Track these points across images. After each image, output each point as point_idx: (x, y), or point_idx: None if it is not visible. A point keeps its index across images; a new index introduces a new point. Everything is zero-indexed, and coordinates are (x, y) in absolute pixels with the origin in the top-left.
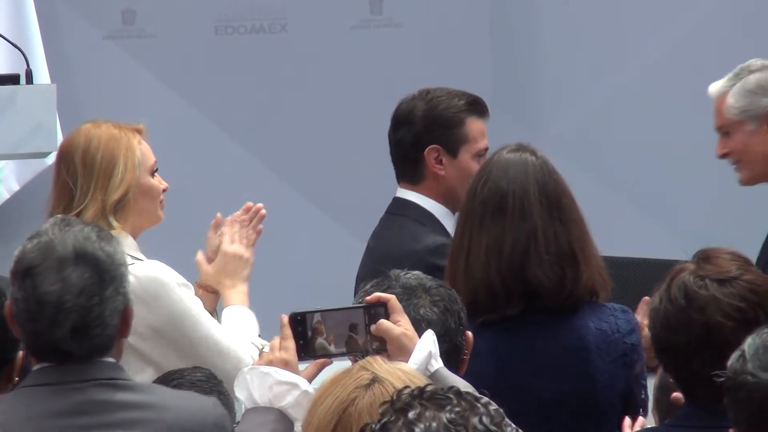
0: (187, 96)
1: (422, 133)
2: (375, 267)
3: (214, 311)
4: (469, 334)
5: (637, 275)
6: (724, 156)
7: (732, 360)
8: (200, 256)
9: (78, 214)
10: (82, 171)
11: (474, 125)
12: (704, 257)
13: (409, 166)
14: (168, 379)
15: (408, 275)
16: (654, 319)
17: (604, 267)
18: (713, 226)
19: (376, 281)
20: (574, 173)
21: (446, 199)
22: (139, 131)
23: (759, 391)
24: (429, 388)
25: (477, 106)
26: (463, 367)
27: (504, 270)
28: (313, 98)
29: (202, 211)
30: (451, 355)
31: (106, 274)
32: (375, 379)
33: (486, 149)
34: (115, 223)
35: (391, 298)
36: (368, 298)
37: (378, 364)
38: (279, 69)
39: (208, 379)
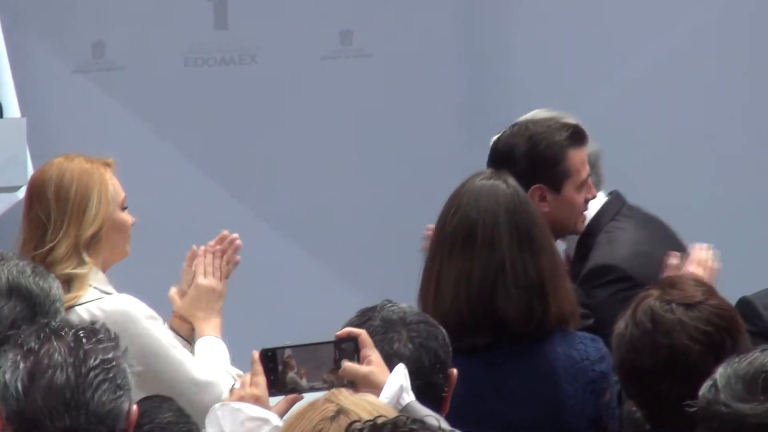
0: (158, 128)
1: (525, 173)
2: None
3: (192, 340)
4: (453, 371)
5: None
6: None
7: (704, 390)
8: (173, 291)
9: (51, 250)
10: (56, 206)
11: (576, 157)
12: (669, 283)
13: None
14: (139, 424)
15: (393, 308)
16: (619, 344)
17: (575, 295)
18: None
19: (361, 311)
20: None
21: (553, 231)
22: (108, 165)
23: (733, 421)
24: (397, 420)
25: (577, 137)
26: (444, 405)
27: (472, 301)
28: (283, 129)
29: (173, 243)
30: (425, 392)
31: (38, 308)
32: (340, 411)
33: (588, 176)
34: (87, 259)
35: (362, 333)
36: (338, 333)
37: (343, 396)
38: (249, 100)
39: (177, 420)
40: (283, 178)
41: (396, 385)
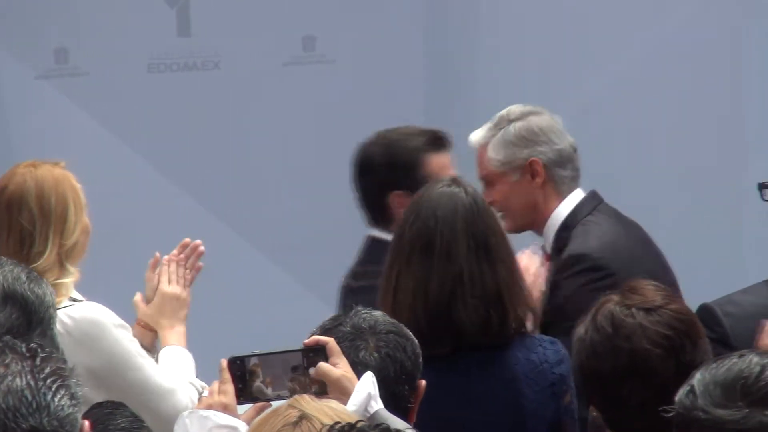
0: (121, 134)
1: (384, 180)
2: None
3: (153, 348)
4: (422, 383)
5: None
6: (490, 204)
7: (681, 395)
8: (138, 297)
9: (37, 260)
10: (40, 216)
11: (434, 161)
12: (629, 288)
13: (377, 211)
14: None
15: (365, 315)
16: (579, 348)
17: (533, 300)
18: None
19: (334, 316)
20: None
21: None
22: (62, 168)
23: (711, 427)
24: (359, 425)
25: (435, 141)
26: (410, 416)
27: (430, 311)
28: (247, 135)
29: (137, 249)
30: (389, 402)
31: (34, 316)
32: (303, 417)
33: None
34: (72, 269)
35: (330, 341)
36: (306, 341)
37: (306, 402)
38: (212, 106)
39: (131, 427)
40: (246, 184)
41: (364, 392)
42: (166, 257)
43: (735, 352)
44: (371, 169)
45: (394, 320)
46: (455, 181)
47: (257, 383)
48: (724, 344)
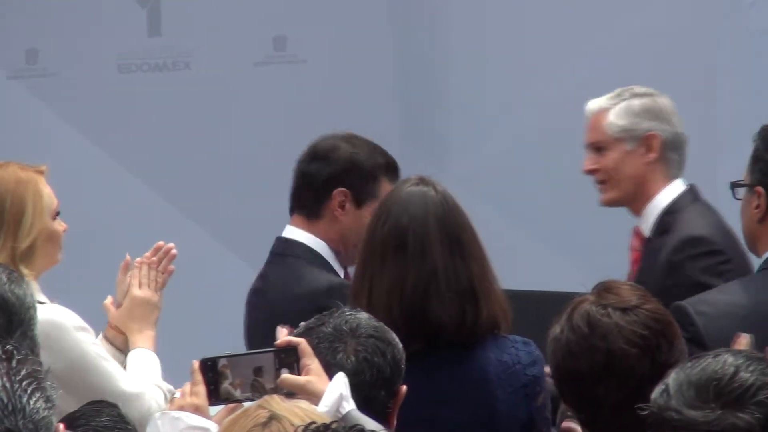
0: (92, 134)
1: (338, 173)
2: (270, 309)
3: (126, 351)
4: (402, 389)
5: (538, 308)
6: (590, 172)
7: (656, 394)
8: (108, 301)
9: None
10: None
11: (384, 187)
12: (605, 288)
13: (311, 200)
14: (73, 425)
15: (349, 316)
16: (555, 348)
17: (505, 299)
18: (614, 260)
19: (319, 316)
20: (480, 208)
21: (335, 242)
22: (41, 173)
23: (683, 428)
24: (333, 425)
25: (393, 170)
26: (389, 421)
27: (405, 309)
28: (218, 135)
29: (107, 251)
30: (362, 407)
31: (14, 317)
32: (273, 417)
33: None
34: (25, 271)
35: (301, 341)
36: (278, 342)
37: (276, 402)
38: (183, 106)
39: (114, 426)
40: (218, 183)
41: (335, 393)
42: (137, 260)
43: (710, 352)
44: (330, 158)
45: (379, 324)
46: (423, 180)
47: (229, 384)
48: (698, 344)
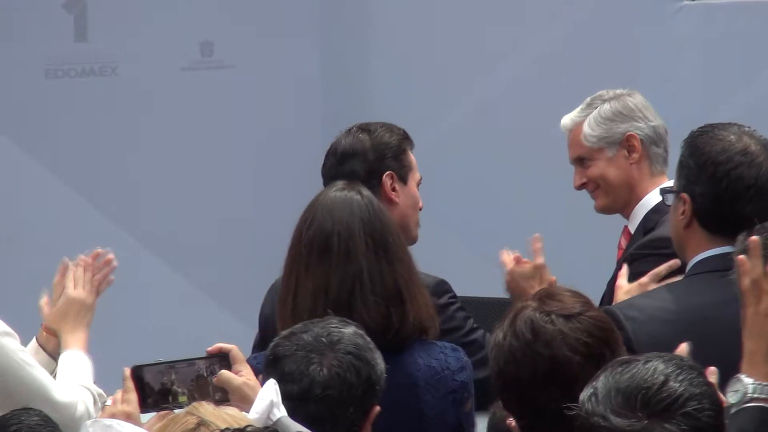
0: (18, 139)
1: (375, 161)
2: None
3: (57, 354)
4: (376, 408)
5: (474, 314)
6: (581, 187)
7: (584, 396)
8: (44, 301)
9: None
10: None
11: (411, 156)
12: (546, 294)
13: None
14: (5, 425)
15: (334, 328)
16: (497, 354)
17: (432, 303)
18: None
19: (305, 322)
20: None
21: (400, 227)
22: None
23: None
24: (248, 429)
25: (410, 139)
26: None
27: (330, 312)
28: (144, 140)
29: (33, 256)
30: (328, 423)
31: None
32: (201, 423)
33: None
34: None
35: (233, 348)
36: (209, 348)
37: (204, 408)
38: (110, 112)
39: (45, 423)
40: (144, 189)
41: (267, 399)
42: (73, 262)
43: (641, 356)
44: (360, 152)
45: (364, 341)
46: (349, 185)
47: (160, 391)
48: (627, 348)
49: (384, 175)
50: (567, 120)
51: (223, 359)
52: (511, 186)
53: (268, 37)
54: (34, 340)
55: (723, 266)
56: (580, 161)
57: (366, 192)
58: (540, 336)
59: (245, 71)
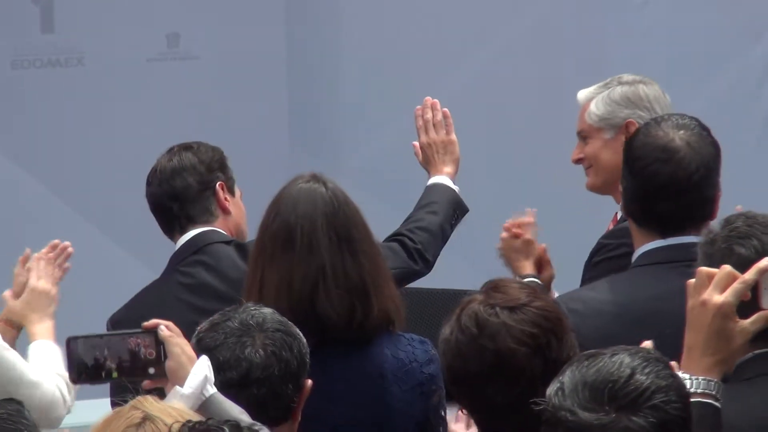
0: None
1: (206, 172)
2: None
3: (14, 345)
4: (308, 383)
5: (432, 305)
6: (578, 161)
7: (551, 390)
8: (7, 292)
9: None
10: None
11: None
12: (493, 287)
13: (198, 208)
14: None
15: (255, 311)
16: (445, 350)
17: (399, 296)
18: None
19: (223, 311)
20: (374, 206)
21: (236, 235)
22: None
23: (577, 430)
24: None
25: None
26: (294, 414)
27: (294, 306)
28: (110, 131)
29: (1, 247)
30: (271, 401)
31: None
32: (146, 418)
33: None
34: None
35: (167, 324)
36: (145, 323)
37: (149, 403)
38: (76, 102)
39: (9, 416)
40: (109, 179)
41: (201, 375)
42: (36, 254)
43: (607, 350)
44: (188, 168)
45: (283, 318)
46: (315, 177)
47: (94, 366)
48: None
49: (216, 186)
50: (581, 94)
51: (157, 334)
52: (481, 178)
53: (235, 27)
54: None
55: (663, 259)
56: (582, 137)
57: (331, 185)
58: (485, 329)
59: (212, 62)
